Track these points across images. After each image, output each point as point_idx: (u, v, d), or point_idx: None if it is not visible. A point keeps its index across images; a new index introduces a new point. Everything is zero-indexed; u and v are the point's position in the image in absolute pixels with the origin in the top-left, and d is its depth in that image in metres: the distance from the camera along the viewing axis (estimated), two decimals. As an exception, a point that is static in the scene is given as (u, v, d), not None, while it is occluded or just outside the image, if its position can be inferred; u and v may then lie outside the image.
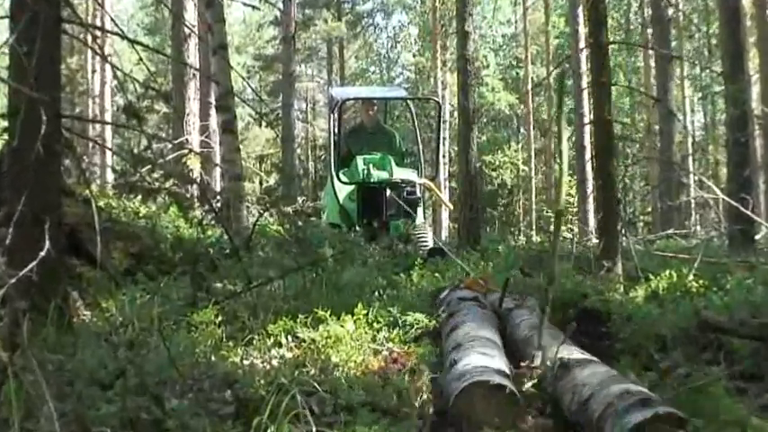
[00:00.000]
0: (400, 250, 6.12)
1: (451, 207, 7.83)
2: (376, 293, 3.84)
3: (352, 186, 7.30)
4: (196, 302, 3.24)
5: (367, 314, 3.08)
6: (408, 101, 9.22)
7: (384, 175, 7.37)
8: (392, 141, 7.89)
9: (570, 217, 11.22)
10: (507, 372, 2.29)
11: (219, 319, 2.97)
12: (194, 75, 10.63)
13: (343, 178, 7.42)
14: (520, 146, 28.59)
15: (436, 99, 7.95)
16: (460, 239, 7.05)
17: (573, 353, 2.41)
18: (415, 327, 3.16)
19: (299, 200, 13.36)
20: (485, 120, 28.53)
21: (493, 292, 3.57)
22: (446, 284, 4.07)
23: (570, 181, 11.93)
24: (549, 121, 24.85)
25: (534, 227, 21.11)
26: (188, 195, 5.13)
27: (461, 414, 2.08)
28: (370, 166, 7.43)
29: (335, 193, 7.37)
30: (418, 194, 7.32)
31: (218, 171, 10.60)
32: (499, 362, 2.34)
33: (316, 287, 3.76)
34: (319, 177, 31.24)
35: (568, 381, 2.21)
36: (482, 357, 2.33)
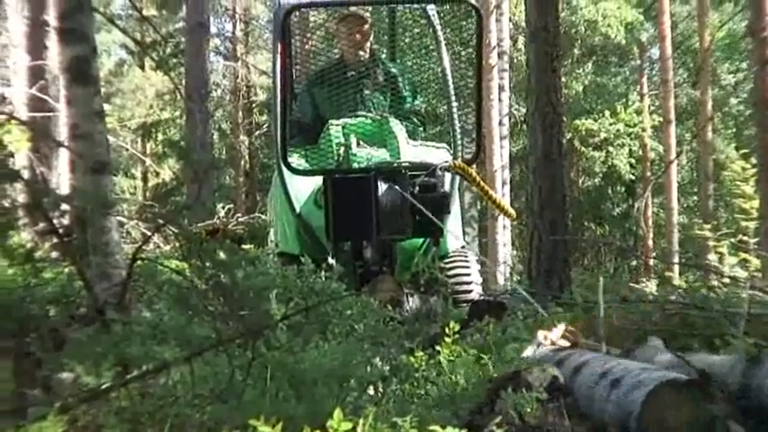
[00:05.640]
0: (416, 306, 6.13)
1: (512, 214, 7.74)
2: (370, 390, 3.84)
3: (319, 180, 7.24)
4: (24, 409, 3.25)
5: (353, 430, 3.09)
6: (431, 15, 9.05)
7: (381, 154, 7.39)
8: (401, 91, 7.95)
9: (746, 238, 11.22)
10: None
11: (69, 440, 2.98)
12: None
13: (300, 164, 7.37)
14: (646, 102, 28.82)
15: (470, 2, 7.77)
16: (533, 281, 7.08)
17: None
18: (447, 454, 3.17)
19: (221, 211, 13.37)
20: (578, 53, 28.68)
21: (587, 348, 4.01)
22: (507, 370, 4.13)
23: (745, 167, 11.94)
24: (703, 53, 24.97)
25: (677, 258, 21.17)
26: (6, 203, 5.14)
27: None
28: (353, 137, 7.50)
29: (287, 196, 7.33)
30: (444, 188, 7.08)
31: (63, 155, 10.62)
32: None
33: (254, 380, 3.76)
34: (261, 167, 31.18)
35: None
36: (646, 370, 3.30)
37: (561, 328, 4.47)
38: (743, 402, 3.17)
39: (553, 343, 4.31)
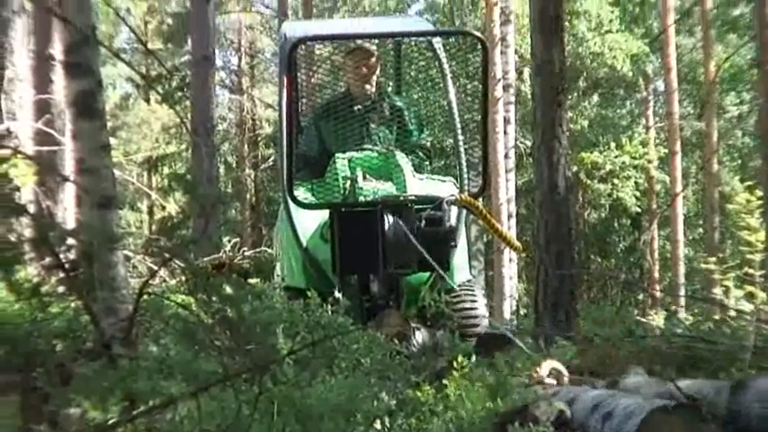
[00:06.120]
0: (422, 340, 6.12)
1: (519, 247, 7.69)
2: (377, 425, 3.84)
3: (325, 214, 7.24)
4: (30, 446, 3.25)
5: (360, 465, 3.09)
6: (437, 48, 9.03)
7: (387, 187, 7.37)
8: (408, 125, 7.93)
9: (752, 271, 11.19)
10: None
11: (75, 477, 2.97)
12: (24, 6, 10.74)
13: (306, 197, 7.33)
14: (652, 134, 28.84)
15: (476, 35, 7.73)
16: (539, 314, 7.05)
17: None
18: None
19: (227, 245, 13.35)
20: (584, 85, 28.74)
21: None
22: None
23: (749, 200, 11.92)
24: (709, 85, 25.01)
25: (683, 291, 21.12)
26: (13, 237, 5.14)
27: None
28: (359, 171, 7.47)
29: (294, 229, 7.32)
30: (450, 222, 7.08)
31: (69, 190, 10.64)
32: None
33: (261, 414, 3.76)
34: (267, 201, 31.21)
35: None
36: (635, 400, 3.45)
37: (547, 365, 4.56)
38: (730, 427, 3.32)
39: (539, 381, 4.39)
